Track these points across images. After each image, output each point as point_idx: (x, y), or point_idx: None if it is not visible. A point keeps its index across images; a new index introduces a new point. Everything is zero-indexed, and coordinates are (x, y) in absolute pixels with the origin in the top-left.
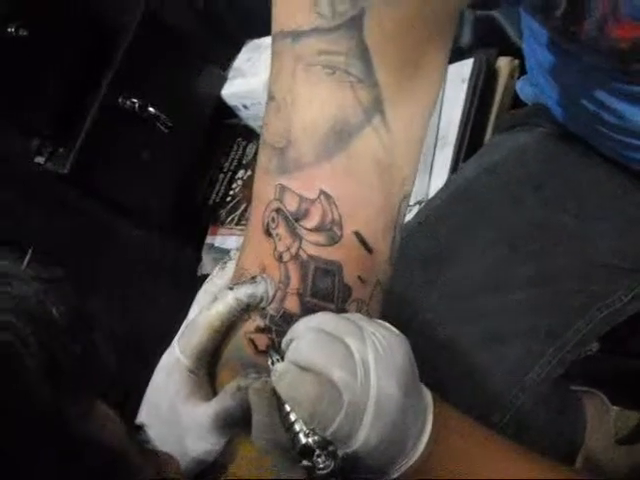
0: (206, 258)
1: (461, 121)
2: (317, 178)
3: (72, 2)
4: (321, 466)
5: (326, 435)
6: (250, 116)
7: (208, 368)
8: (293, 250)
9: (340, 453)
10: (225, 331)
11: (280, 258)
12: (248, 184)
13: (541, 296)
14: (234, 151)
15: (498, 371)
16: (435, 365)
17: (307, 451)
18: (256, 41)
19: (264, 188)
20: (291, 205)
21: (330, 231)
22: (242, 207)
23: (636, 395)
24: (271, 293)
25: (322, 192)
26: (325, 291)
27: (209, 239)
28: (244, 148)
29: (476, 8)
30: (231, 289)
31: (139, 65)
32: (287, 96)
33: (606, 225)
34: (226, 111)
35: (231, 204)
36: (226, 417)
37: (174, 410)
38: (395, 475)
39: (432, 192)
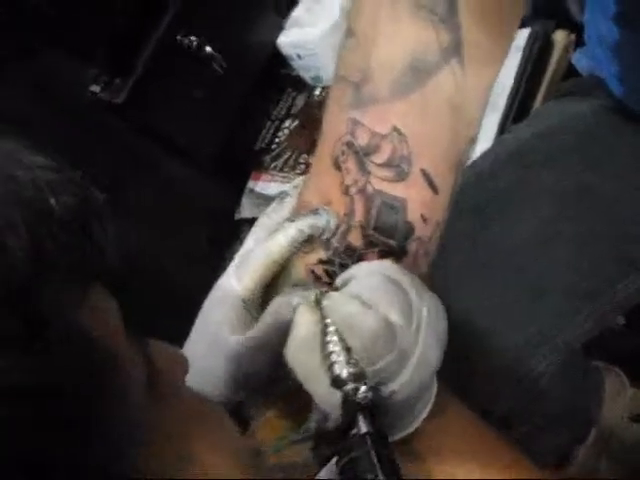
0: (246, 202)
1: (512, 88)
2: (391, 113)
3: None
4: (361, 395)
5: (369, 370)
6: (303, 66)
7: (262, 300)
8: (360, 184)
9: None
10: (284, 263)
11: (347, 191)
12: (294, 133)
13: (582, 256)
14: (283, 100)
15: (530, 328)
16: (465, 316)
17: (340, 380)
18: None
19: (335, 121)
20: (362, 139)
21: (398, 167)
22: (286, 155)
23: None
24: (334, 225)
25: (395, 128)
26: (388, 226)
27: (251, 184)
28: (294, 98)
29: None
30: (292, 221)
31: (200, 5)
32: (370, 31)
33: None
34: (280, 59)
35: (276, 151)
36: (266, 341)
37: (218, 338)
38: (414, 426)
39: (477, 154)
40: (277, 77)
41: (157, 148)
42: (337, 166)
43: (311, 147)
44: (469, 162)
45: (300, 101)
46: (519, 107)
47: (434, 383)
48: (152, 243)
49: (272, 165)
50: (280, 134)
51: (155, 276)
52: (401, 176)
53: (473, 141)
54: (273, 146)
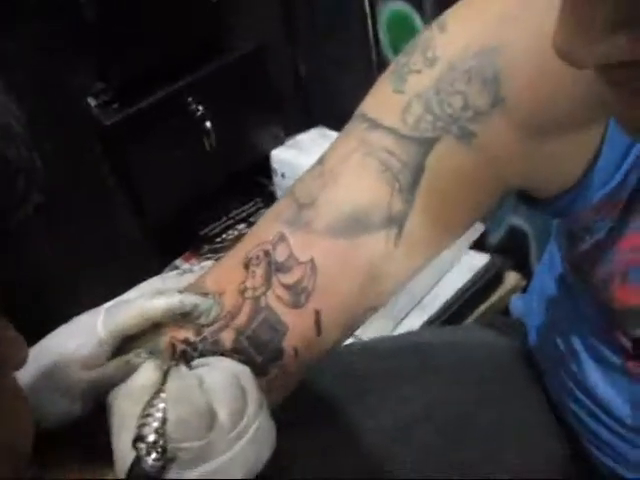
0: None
1: (448, 301)
2: (315, 246)
3: None
4: (150, 462)
5: (172, 445)
6: (281, 186)
7: (116, 350)
8: (258, 292)
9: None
10: (152, 326)
11: (242, 292)
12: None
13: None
14: (248, 205)
15: None
16: None
17: (141, 443)
18: (327, 131)
19: (266, 228)
20: (280, 255)
21: (297, 295)
22: (221, 254)
23: None
24: (214, 315)
25: (312, 260)
26: (261, 342)
27: (178, 261)
28: (258, 209)
29: (524, 204)
30: (180, 292)
31: (219, 85)
32: (335, 168)
33: None
34: (263, 168)
35: (217, 246)
36: (103, 385)
37: (62, 363)
38: None
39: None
40: (252, 182)
41: (116, 176)
42: (246, 266)
43: None
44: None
45: (261, 214)
46: (446, 320)
47: None
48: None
49: (207, 255)
50: (230, 233)
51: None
52: (296, 305)
53: (374, 311)
54: (217, 239)
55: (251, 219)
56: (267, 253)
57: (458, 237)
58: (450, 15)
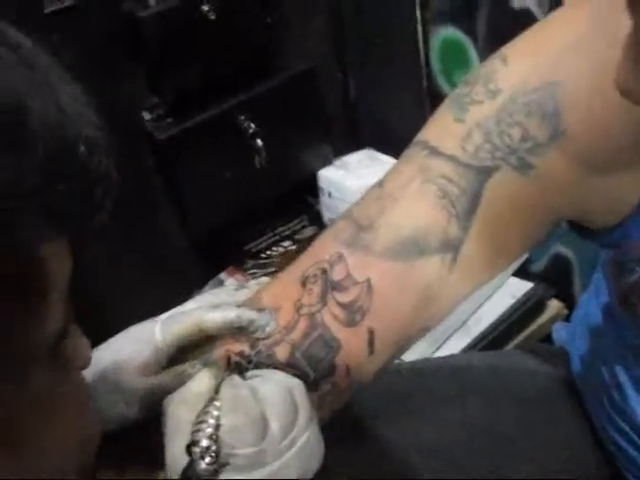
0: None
1: (491, 325)
2: (372, 268)
3: None
4: (203, 467)
5: (225, 451)
6: (328, 205)
7: (171, 360)
8: (314, 309)
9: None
10: (207, 338)
11: (299, 309)
12: (287, 256)
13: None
14: (294, 223)
15: None
16: None
17: (195, 448)
18: (375, 153)
19: (324, 247)
20: (337, 275)
21: (352, 314)
22: (269, 270)
23: None
24: (270, 330)
25: (368, 281)
26: (315, 358)
27: (223, 275)
28: (303, 227)
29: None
30: (238, 306)
31: (272, 104)
32: (395, 192)
33: None
34: (311, 187)
35: (262, 262)
36: (159, 392)
37: (120, 369)
38: None
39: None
40: (299, 200)
41: (166, 189)
42: (303, 283)
43: None
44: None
45: (307, 232)
46: (486, 345)
47: None
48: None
49: (251, 271)
50: (274, 249)
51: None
52: (350, 323)
53: (425, 332)
54: (262, 255)
55: (296, 236)
56: (324, 271)
57: (510, 264)
58: (512, 48)
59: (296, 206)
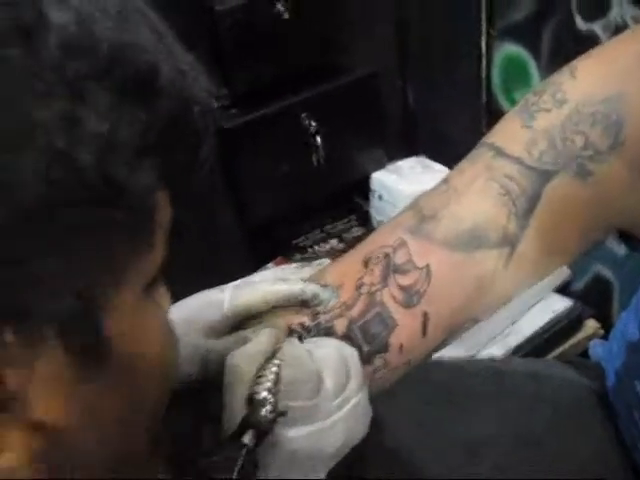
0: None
1: (530, 337)
2: (433, 255)
3: None
4: (263, 414)
5: (283, 402)
6: (377, 208)
7: (235, 327)
8: (374, 289)
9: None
10: (270, 309)
11: (359, 287)
12: (333, 254)
13: None
14: (342, 222)
15: None
16: None
17: (255, 398)
18: (428, 161)
19: (388, 233)
20: (399, 259)
21: (410, 297)
22: None
23: None
24: (331, 304)
25: (428, 267)
26: (370, 333)
27: (270, 265)
28: (351, 226)
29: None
30: (303, 281)
31: (333, 106)
32: (460, 187)
33: None
34: (362, 188)
35: (307, 255)
36: (220, 355)
37: (187, 329)
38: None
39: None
40: (350, 200)
41: (224, 177)
42: (365, 264)
43: None
44: None
45: (355, 232)
46: (523, 356)
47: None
48: None
49: (298, 264)
50: (321, 246)
51: None
52: (407, 304)
53: (475, 322)
54: (309, 250)
55: (344, 235)
56: (387, 255)
57: (561, 265)
58: (580, 63)
59: (346, 206)
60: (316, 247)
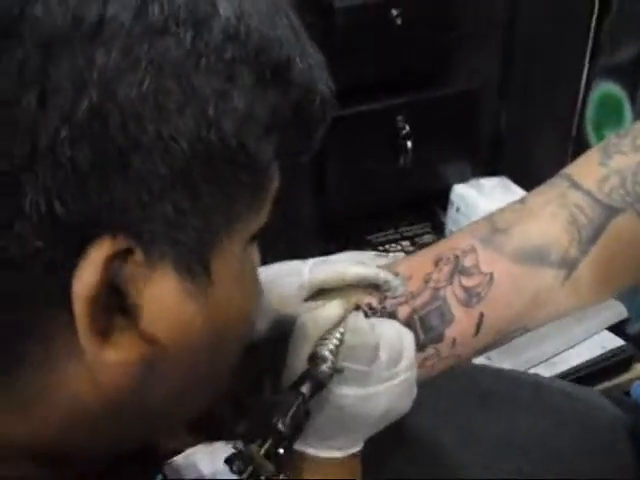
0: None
1: (570, 369)
2: (498, 264)
3: None
4: (322, 368)
5: (342, 363)
6: (454, 218)
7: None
8: (439, 285)
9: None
10: (344, 287)
11: (426, 281)
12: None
13: None
14: (417, 226)
15: None
16: None
17: (317, 356)
18: (509, 183)
19: (460, 239)
20: (467, 262)
21: (471, 297)
22: None
23: None
24: (399, 292)
25: (491, 274)
26: (429, 324)
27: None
28: (425, 232)
29: None
30: (378, 266)
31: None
32: (534, 208)
33: None
34: (443, 198)
35: (383, 249)
36: (290, 321)
37: (267, 290)
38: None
39: None
40: (428, 207)
41: (311, 165)
42: (436, 262)
43: None
44: None
45: (427, 239)
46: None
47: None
48: None
49: (375, 253)
50: (393, 246)
51: None
52: (467, 304)
53: (524, 331)
54: (380, 248)
55: (416, 239)
56: (456, 257)
57: (612, 295)
58: None
59: (424, 212)
60: (387, 246)
